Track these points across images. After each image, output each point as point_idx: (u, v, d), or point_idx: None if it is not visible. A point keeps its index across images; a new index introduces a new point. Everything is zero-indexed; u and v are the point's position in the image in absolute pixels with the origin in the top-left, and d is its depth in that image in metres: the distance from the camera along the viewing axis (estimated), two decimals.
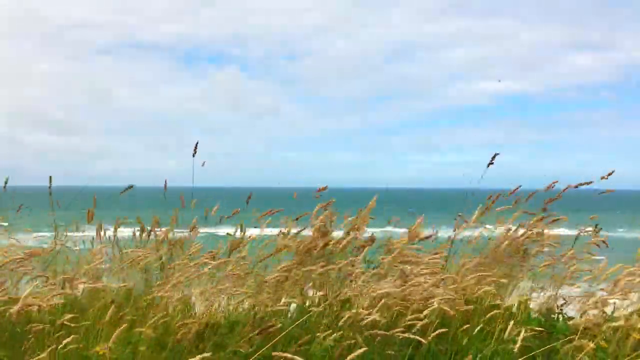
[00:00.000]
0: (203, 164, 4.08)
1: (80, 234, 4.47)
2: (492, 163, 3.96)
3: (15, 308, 3.02)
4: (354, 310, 3.18)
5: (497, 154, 3.94)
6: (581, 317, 3.73)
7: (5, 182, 4.29)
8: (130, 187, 4.40)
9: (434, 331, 3.04)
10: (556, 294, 4.02)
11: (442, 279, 3.61)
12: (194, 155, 4.02)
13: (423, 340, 2.85)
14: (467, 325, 3.48)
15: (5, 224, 4.40)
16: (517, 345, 2.91)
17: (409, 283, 3.41)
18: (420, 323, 3.13)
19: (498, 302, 3.77)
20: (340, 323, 3.09)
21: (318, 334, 3.09)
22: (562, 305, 3.98)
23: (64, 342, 2.78)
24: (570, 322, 3.83)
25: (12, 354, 3.04)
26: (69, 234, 4.51)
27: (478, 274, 3.65)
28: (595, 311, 3.76)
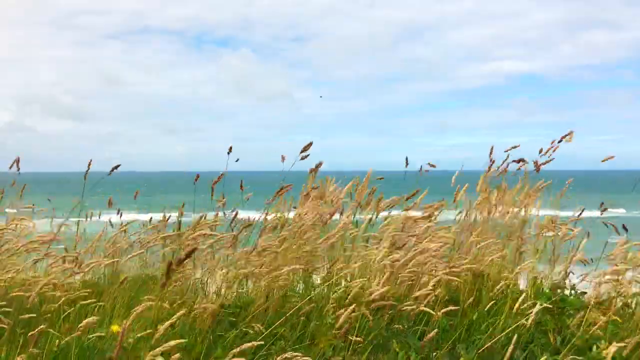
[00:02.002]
0: (230, 151, 4.09)
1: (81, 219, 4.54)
2: None
3: (35, 290, 3.10)
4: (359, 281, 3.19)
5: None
6: (594, 289, 3.73)
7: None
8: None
9: (443, 305, 3.05)
10: (566, 271, 4.03)
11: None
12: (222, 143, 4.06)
13: (431, 312, 2.86)
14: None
15: (13, 209, 4.45)
16: (531, 320, 2.92)
17: (413, 249, 3.45)
18: (423, 293, 3.14)
19: (506, 275, 3.78)
20: (346, 296, 3.10)
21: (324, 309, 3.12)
22: (570, 279, 3.98)
23: (84, 322, 2.82)
24: (582, 297, 3.83)
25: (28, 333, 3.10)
26: (85, 219, 4.58)
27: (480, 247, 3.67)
28: (607, 287, 3.76)
